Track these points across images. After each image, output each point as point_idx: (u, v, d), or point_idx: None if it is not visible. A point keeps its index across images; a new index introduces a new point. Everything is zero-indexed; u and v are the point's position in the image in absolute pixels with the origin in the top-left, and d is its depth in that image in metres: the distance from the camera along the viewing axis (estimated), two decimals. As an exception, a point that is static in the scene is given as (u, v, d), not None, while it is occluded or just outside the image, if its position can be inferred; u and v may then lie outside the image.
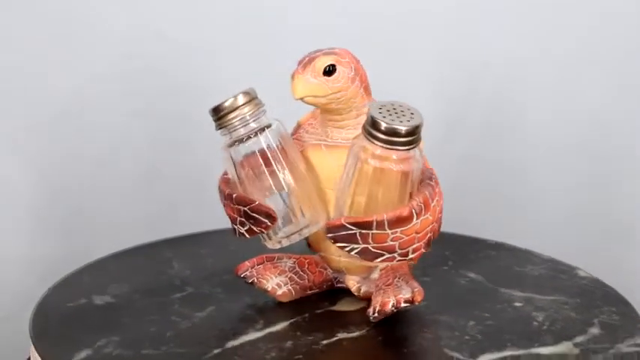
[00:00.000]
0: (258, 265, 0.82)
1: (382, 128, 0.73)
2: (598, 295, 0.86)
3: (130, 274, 0.89)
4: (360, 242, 0.75)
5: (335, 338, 0.77)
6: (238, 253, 0.86)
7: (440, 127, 1.21)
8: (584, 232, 1.27)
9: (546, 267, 0.93)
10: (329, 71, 0.77)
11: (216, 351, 0.74)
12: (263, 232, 0.78)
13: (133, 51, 1.21)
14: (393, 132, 0.73)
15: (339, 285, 0.85)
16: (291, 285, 0.82)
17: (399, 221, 0.74)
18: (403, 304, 0.77)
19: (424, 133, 0.75)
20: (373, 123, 0.73)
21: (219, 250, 0.95)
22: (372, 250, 0.75)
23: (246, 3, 1.23)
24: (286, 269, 0.83)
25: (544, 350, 0.76)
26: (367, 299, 0.82)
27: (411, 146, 0.73)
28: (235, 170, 0.78)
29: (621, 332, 0.79)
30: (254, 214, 0.77)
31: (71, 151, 1.22)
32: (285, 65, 1.20)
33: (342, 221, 0.75)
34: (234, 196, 0.78)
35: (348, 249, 0.75)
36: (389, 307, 0.77)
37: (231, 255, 0.90)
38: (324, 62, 0.77)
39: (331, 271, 0.84)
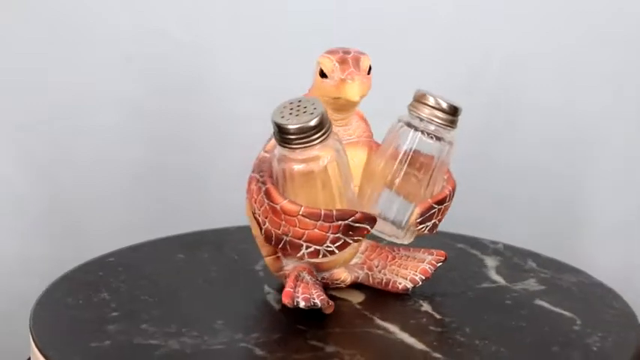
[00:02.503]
0: (297, 288, 0.79)
1: (430, 102, 0.79)
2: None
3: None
4: (435, 218, 0.81)
5: (421, 309, 0.83)
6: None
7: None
8: (584, 231, 1.27)
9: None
10: (369, 70, 0.79)
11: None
12: (359, 241, 0.77)
13: (133, 50, 1.21)
14: (438, 106, 0.79)
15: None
16: (324, 295, 0.80)
17: (454, 191, 0.83)
18: (438, 264, 0.85)
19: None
20: (423, 98, 0.79)
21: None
22: (437, 223, 0.82)
23: (247, 2, 1.23)
24: (312, 282, 0.81)
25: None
26: (352, 284, 0.85)
27: (449, 125, 0.79)
28: (285, 179, 0.76)
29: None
30: (357, 224, 0.76)
31: (71, 150, 1.22)
32: (285, 65, 1.21)
33: (430, 202, 0.80)
34: (334, 213, 0.75)
35: (423, 228, 0.81)
36: (429, 273, 0.84)
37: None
38: (368, 62, 0.78)
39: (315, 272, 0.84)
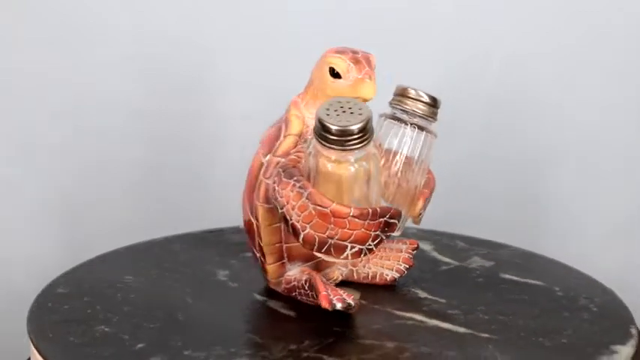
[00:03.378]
0: (329, 291, 0.79)
1: (411, 95, 0.80)
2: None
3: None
4: (426, 209, 0.83)
5: (420, 296, 0.84)
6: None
7: (440, 125, 1.21)
8: (584, 231, 1.27)
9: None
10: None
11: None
12: (389, 237, 0.77)
13: (133, 50, 1.21)
14: (419, 98, 0.80)
15: None
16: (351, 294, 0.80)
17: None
18: (414, 252, 0.87)
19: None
20: (405, 92, 0.81)
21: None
22: (425, 213, 0.83)
23: (247, 2, 1.23)
24: (330, 284, 0.81)
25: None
26: (342, 280, 0.86)
27: (431, 116, 0.81)
28: (317, 173, 0.76)
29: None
30: (392, 220, 0.76)
31: (71, 150, 1.22)
32: (285, 65, 1.21)
33: (428, 192, 0.82)
34: (378, 210, 0.75)
35: (420, 218, 0.83)
36: (412, 262, 0.87)
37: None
38: (375, 60, 0.79)
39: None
